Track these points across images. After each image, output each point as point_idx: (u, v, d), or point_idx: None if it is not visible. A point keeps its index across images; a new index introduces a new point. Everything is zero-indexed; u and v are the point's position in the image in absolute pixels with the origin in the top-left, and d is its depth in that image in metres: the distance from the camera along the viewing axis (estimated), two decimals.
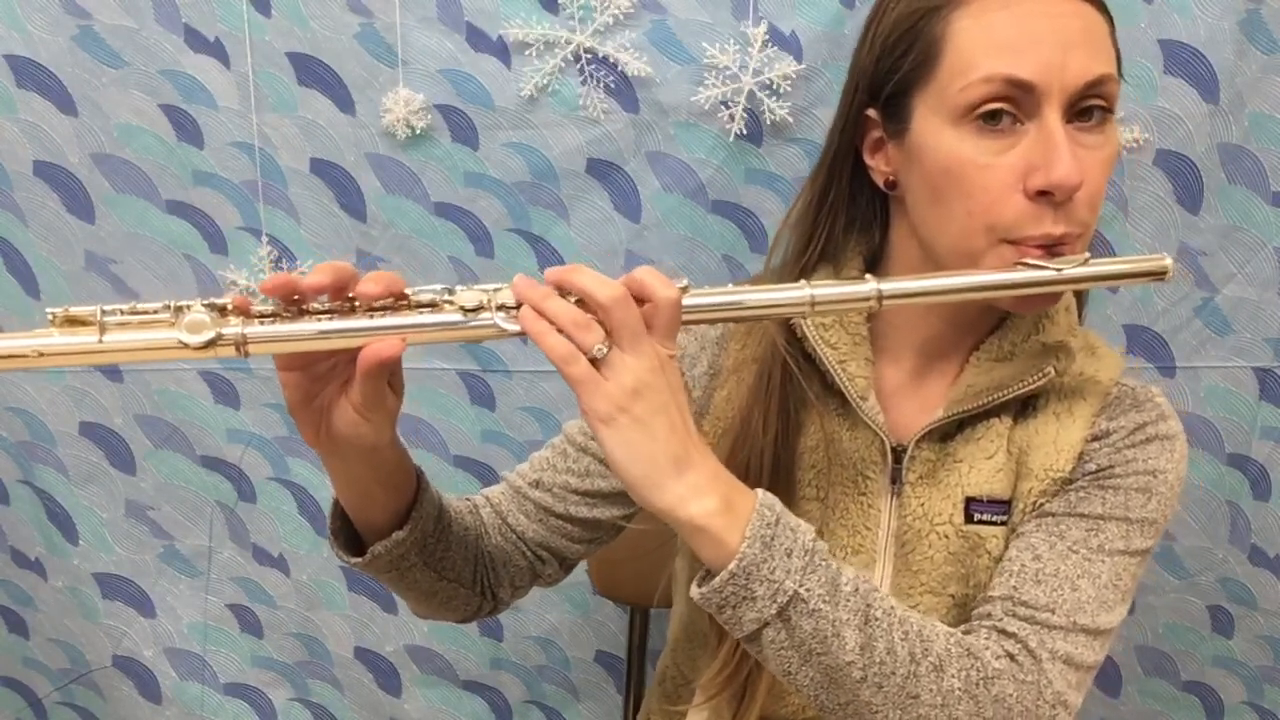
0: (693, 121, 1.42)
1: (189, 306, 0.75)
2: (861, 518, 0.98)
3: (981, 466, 0.95)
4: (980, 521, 0.94)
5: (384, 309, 0.77)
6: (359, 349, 0.76)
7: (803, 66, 1.39)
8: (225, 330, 0.75)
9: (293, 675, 1.69)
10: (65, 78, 1.41)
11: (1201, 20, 1.37)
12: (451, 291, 0.78)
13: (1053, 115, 0.84)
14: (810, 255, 0.97)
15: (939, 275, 0.86)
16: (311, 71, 1.41)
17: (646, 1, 1.38)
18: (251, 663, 1.68)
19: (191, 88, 1.42)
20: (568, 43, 1.39)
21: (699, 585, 0.80)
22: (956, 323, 0.96)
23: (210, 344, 0.74)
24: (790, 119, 1.40)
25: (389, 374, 0.80)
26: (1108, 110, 0.88)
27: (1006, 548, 0.94)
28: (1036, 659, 0.86)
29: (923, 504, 0.96)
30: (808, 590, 0.78)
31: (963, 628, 0.90)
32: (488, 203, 1.46)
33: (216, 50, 1.41)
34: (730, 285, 0.82)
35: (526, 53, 1.39)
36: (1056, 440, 0.94)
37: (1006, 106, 0.84)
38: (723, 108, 1.40)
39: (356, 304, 0.77)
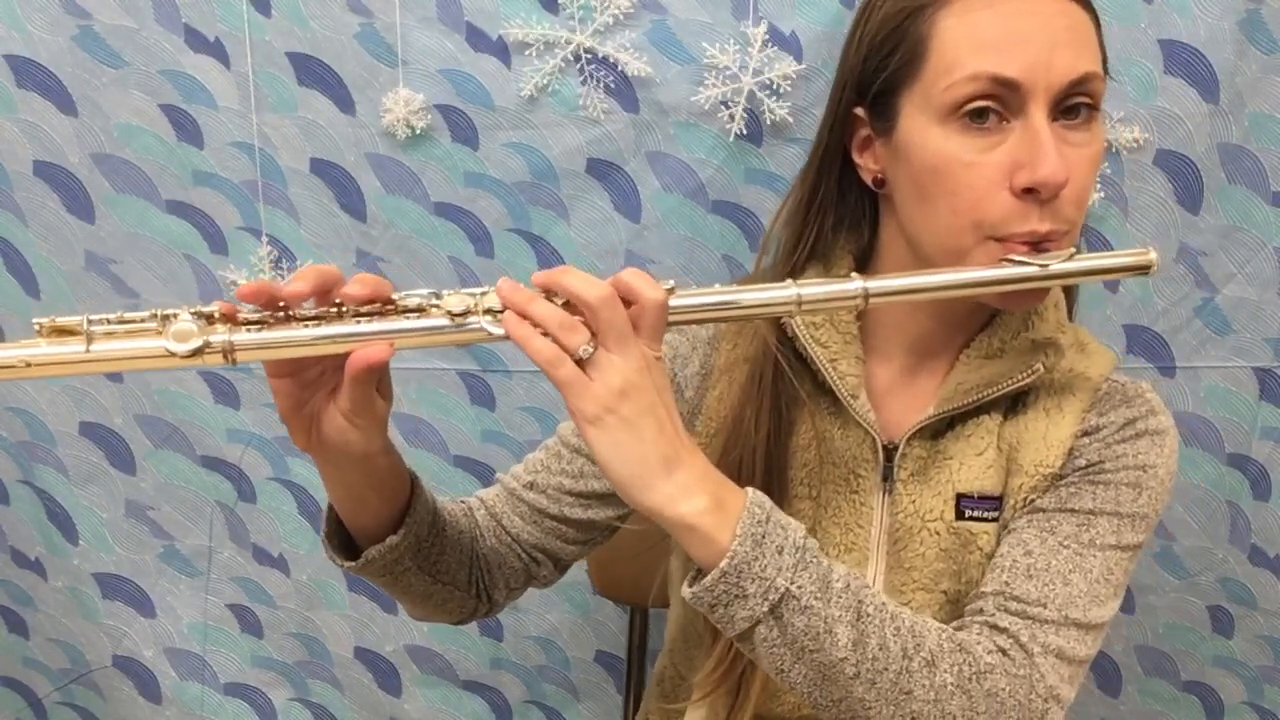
0: (693, 121, 1.42)
1: (176, 315, 0.75)
2: (854, 515, 0.98)
3: (972, 463, 0.95)
4: (971, 518, 0.95)
5: (371, 314, 0.77)
6: (347, 354, 0.76)
7: (803, 66, 1.38)
8: (212, 338, 0.75)
9: (293, 675, 1.69)
10: (65, 78, 1.41)
11: (1201, 20, 1.37)
12: (438, 296, 0.78)
13: (1038, 113, 0.84)
14: (800, 254, 0.98)
15: (925, 273, 0.86)
16: (311, 71, 1.41)
17: (646, 1, 1.38)
18: (251, 663, 1.68)
19: (191, 88, 1.42)
20: (568, 43, 1.39)
21: (690, 585, 0.80)
22: (946, 320, 0.97)
23: (197, 352, 0.74)
24: (790, 119, 1.40)
25: (377, 379, 0.81)
26: (1094, 108, 0.88)
27: (998, 544, 0.95)
28: (1029, 653, 0.86)
29: (914, 501, 0.96)
30: (799, 587, 0.78)
31: (955, 623, 0.90)
32: (488, 203, 1.46)
33: (216, 50, 1.41)
34: (718, 286, 0.82)
35: (526, 53, 1.39)
36: (1046, 436, 0.94)
37: (992, 104, 0.85)
38: (723, 108, 1.40)
39: (344, 309, 0.77)
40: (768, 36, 1.37)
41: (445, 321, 0.77)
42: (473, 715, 1.70)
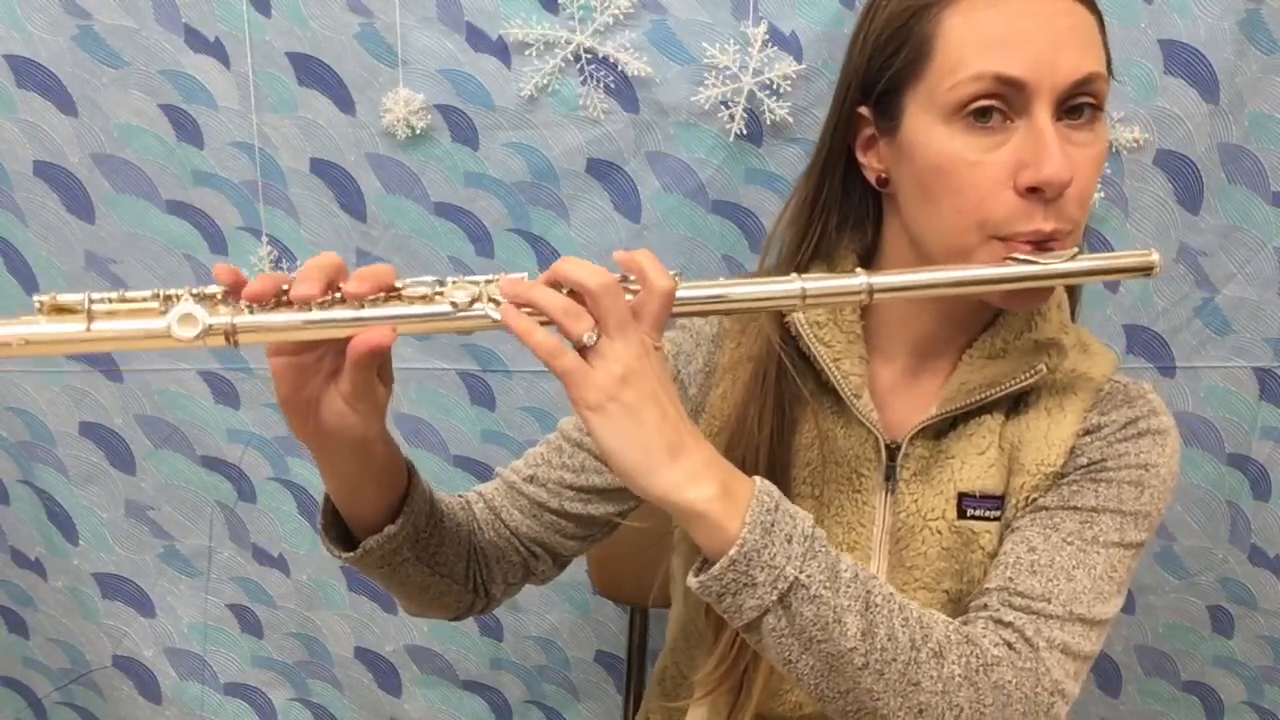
0: (693, 121, 1.42)
1: (178, 296, 0.75)
2: (856, 514, 0.98)
3: (974, 462, 0.95)
4: (973, 517, 0.95)
5: (375, 299, 0.77)
6: (349, 338, 0.76)
7: (803, 66, 1.39)
8: (214, 320, 0.74)
9: (293, 675, 1.69)
10: (65, 78, 1.41)
11: (1201, 20, 1.37)
12: (442, 284, 0.78)
13: (1042, 113, 0.84)
14: (804, 253, 0.98)
15: (928, 269, 0.87)
16: (311, 71, 1.41)
17: (646, 1, 1.38)
18: (251, 663, 1.68)
19: (191, 88, 1.42)
20: (568, 43, 1.39)
21: (696, 574, 0.79)
22: (949, 320, 0.97)
23: (199, 334, 0.74)
24: (790, 119, 1.40)
25: (378, 364, 0.80)
26: (1097, 108, 0.88)
27: (1000, 543, 0.95)
28: (1034, 647, 0.86)
29: (916, 500, 0.96)
30: (808, 576, 0.77)
31: (960, 619, 0.90)
32: (488, 203, 1.46)
33: (216, 50, 1.41)
34: (721, 279, 0.82)
35: (526, 53, 1.40)
36: (1048, 435, 0.95)
37: (996, 104, 0.85)
38: (723, 108, 1.40)
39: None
40: (768, 36, 1.37)
41: (448, 308, 0.77)
42: (473, 715, 1.70)
